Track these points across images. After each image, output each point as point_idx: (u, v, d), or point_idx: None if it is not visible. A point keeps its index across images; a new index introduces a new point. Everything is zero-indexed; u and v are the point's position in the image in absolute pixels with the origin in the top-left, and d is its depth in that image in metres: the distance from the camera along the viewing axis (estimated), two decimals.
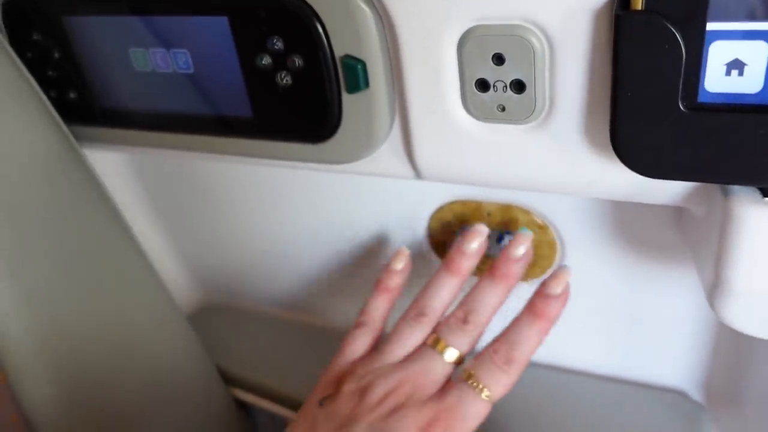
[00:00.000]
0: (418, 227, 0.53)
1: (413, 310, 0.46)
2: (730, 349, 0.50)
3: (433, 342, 0.44)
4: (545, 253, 0.50)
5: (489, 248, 0.52)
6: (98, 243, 0.49)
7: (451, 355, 0.44)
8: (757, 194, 0.30)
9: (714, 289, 0.32)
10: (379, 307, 0.48)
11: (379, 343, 0.46)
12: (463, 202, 0.50)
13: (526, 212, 0.48)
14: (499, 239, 0.51)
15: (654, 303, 0.49)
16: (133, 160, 0.60)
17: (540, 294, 0.43)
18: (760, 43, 0.26)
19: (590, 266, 0.49)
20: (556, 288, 0.43)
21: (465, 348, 0.44)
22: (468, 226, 0.51)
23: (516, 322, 0.44)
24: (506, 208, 0.49)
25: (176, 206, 0.63)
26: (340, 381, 0.45)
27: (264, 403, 0.61)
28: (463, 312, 0.44)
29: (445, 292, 0.46)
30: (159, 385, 0.53)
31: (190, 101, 0.43)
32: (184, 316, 0.57)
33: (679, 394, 0.54)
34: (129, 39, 0.42)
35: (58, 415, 0.47)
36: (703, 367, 0.52)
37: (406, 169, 0.40)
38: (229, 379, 0.63)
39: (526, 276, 0.52)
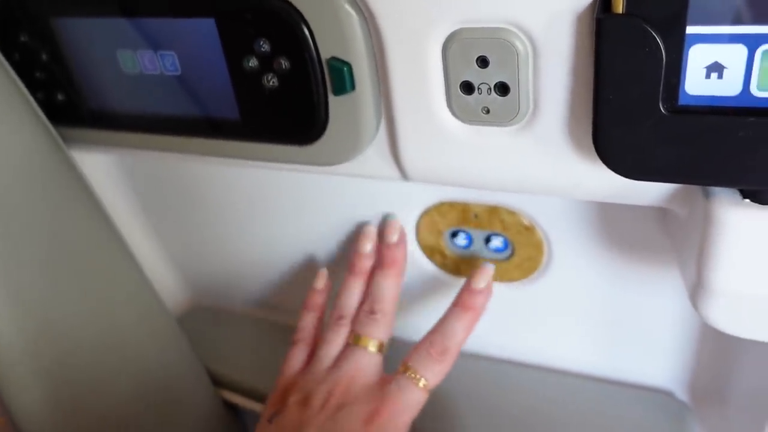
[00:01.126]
0: (406, 229, 0.53)
1: (332, 317, 0.51)
2: (715, 350, 0.50)
3: (354, 339, 0.50)
4: (532, 255, 0.50)
5: (477, 249, 0.52)
6: (87, 245, 0.49)
7: (373, 345, 0.49)
8: (738, 196, 0.30)
9: (696, 289, 0.32)
10: (309, 323, 0.54)
11: (313, 354, 0.52)
12: (450, 204, 0.50)
13: (512, 213, 0.48)
14: (487, 240, 0.51)
15: (640, 303, 0.50)
16: (122, 161, 0.60)
17: (466, 289, 0.48)
18: (739, 47, 0.27)
19: (577, 267, 0.49)
20: (480, 282, 0.48)
21: (382, 335, 0.49)
22: (459, 228, 0.51)
23: (446, 316, 0.48)
24: (493, 210, 0.49)
25: (165, 208, 0.63)
26: (284, 396, 0.49)
27: (253, 405, 0.61)
28: (368, 304, 0.50)
29: (356, 293, 0.52)
30: (148, 386, 0.53)
31: (178, 103, 0.43)
32: (173, 317, 0.57)
33: (665, 394, 0.54)
34: (117, 41, 0.42)
35: (46, 418, 0.47)
36: (689, 368, 0.53)
37: (392, 170, 0.40)
38: (218, 381, 0.63)
39: (514, 277, 0.52)
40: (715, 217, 0.30)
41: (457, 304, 0.48)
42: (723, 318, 0.32)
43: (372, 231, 0.52)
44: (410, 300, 0.57)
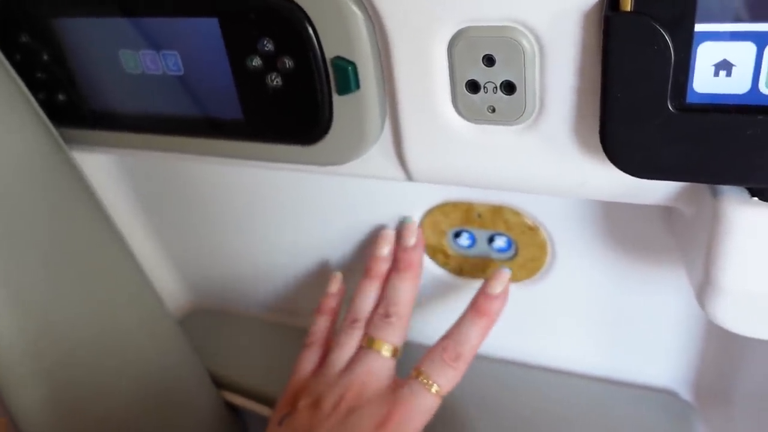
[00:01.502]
0: None
1: (346, 320, 0.51)
2: (720, 349, 0.50)
3: (368, 342, 0.48)
4: (535, 255, 0.50)
5: (480, 249, 0.52)
6: (88, 246, 0.49)
7: (387, 349, 0.48)
8: (746, 194, 0.30)
9: (703, 288, 0.32)
10: (321, 326, 0.53)
11: (326, 357, 0.51)
12: (454, 204, 0.50)
13: (516, 213, 0.48)
14: (490, 240, 0.51)
15: (644, 303, 0.50)
16: (124, 162, 0.60)
17: (482, 293, 0.47)
18: (747, 44, 0.27)
19: (581, 267, 0.49)
20: (496, 288, 0.47)
21: (396, 339, 0.48)
22: (462, 228, 0.51)
23: (461, 321, 0.47)
24: (497, 210, 0.49)
25: (167, 209, 0.63)
26: (295, 399, 0.49)
27: (255, 406, 0.61)
28: (383, 307, 0.49)
29: (371, 296, 0.51)
30: (150, 389, 0.53)
31: (181, 103, 0.43)
32: (174, 319, 0.57)
33: (669, 394, 0.54)
34: (119, 41, 0.42)
35: (47, 419, 0.47)
36: (694, 367, 0.52)
37: (396, 170, 0.40)
38: (220, 383, 0.63)
39: (518, 278, 0.52)
40: (724, 216, 0.30)
41: (472, 308, 0.47)
42: (731, 317, 0.32)
43: (390, 234, 0.52)
44: None
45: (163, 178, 0.60)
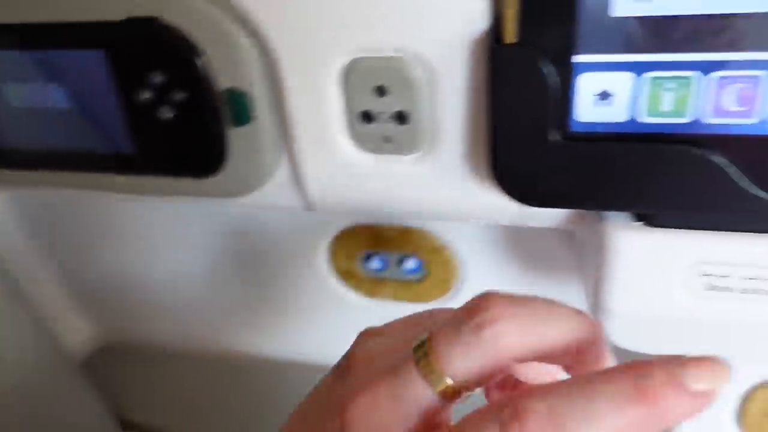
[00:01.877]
0: (319, 252, 0.52)
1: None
2: None
3: (421, 359, 0.26)
4: (446, 276, 0.50)
5: (391, 271, 0.52)
6: None
7: (438, 381, 0.25)
8: (629, 218, 0.31)
9: (595, 309, 0.33)
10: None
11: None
12: (363, 227, 0.50)
13: (424, 235, 0.48)
14: (400, 262, 0.51)
15: None
16: (14, 197, 0.57)
17: (668, 371, 0.23)
18: (625, 74, 0.27)
19: (490, 285, 0.49)
20: (697, 382, 0.22)
21: (463, 372, 0.25)
22: (372, 251, 0.51)
23: (594, 383, 0.23)
24: (406, 232, 0.49)
25: (65, 243, 0.60)
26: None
27: None
28: (480, 316, 0.27)
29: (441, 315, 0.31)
30: None
31: (71, 138, 0.41)
32: (74, 362, 0.54)
33: None
34: (2, 74, 0.40)
35: None
36: None
37: (297, 201, 0.39)
38: (130, 427, 0.60)
39: (430, 297, 0.52)
40: (608, 239, 0.31)
41: (634, 383, 0.22)
42: (622, 336, 0.33)
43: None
44: (324, 325, 0.57)
45: (57, 212, 0.57)
